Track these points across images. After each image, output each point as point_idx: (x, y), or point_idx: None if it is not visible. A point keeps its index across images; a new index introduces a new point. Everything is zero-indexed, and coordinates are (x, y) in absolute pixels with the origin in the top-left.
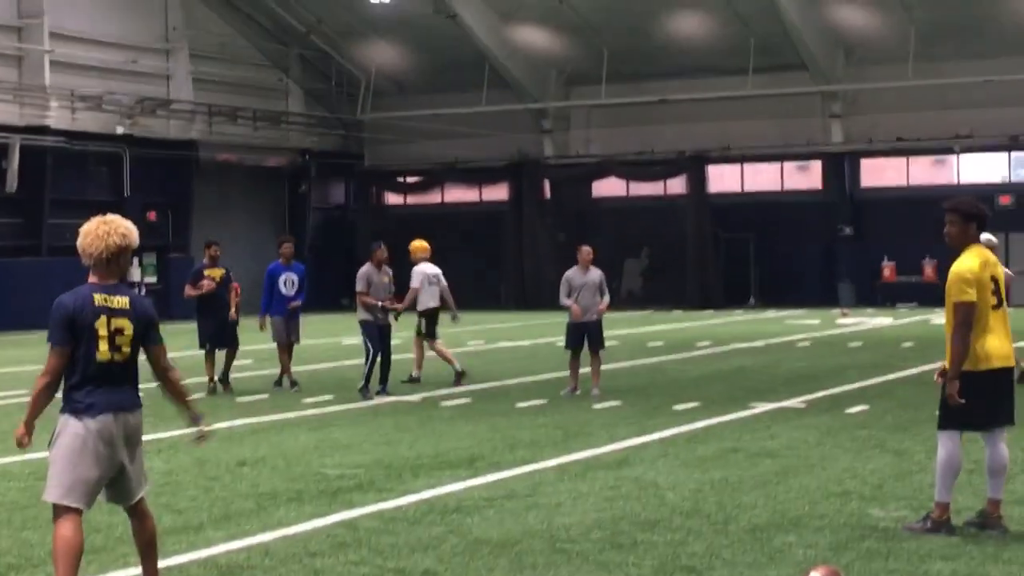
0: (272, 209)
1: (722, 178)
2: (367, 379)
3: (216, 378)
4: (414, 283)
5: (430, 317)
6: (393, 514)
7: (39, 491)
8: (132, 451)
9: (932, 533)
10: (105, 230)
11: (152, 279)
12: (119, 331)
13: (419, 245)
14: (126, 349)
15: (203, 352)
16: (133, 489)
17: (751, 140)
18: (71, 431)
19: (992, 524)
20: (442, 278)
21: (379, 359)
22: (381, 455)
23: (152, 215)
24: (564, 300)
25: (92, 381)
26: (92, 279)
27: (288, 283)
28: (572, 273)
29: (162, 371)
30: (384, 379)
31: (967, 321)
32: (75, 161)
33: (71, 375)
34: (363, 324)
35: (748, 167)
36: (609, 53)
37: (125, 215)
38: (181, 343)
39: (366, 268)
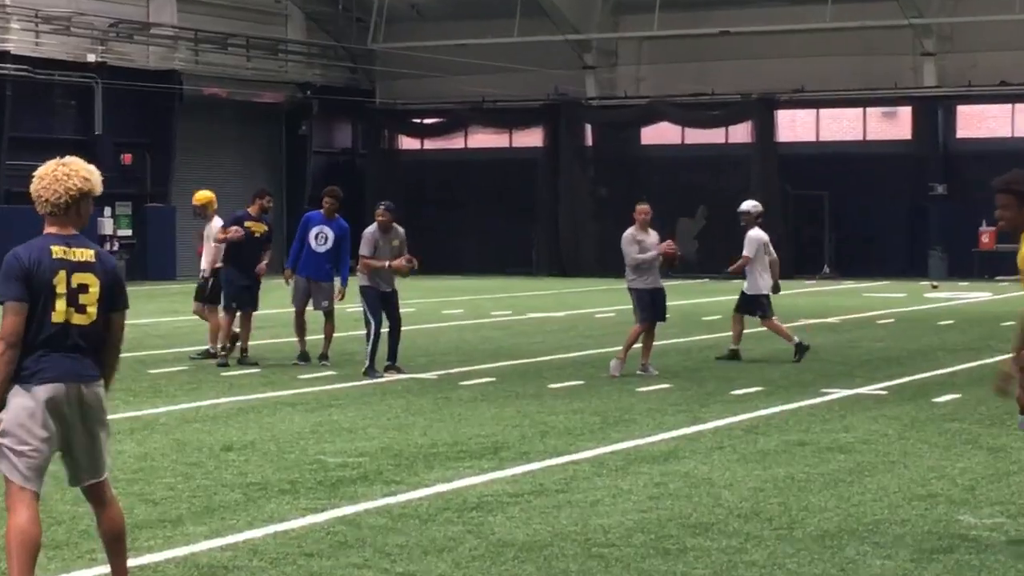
0: (267, 152)
1: (793, 125)
2: (372, 356)
3: (232, 346)
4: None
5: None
6: (402, 510)
7: None
8: (90, 429)
9: None
10: (64, 172)
11: (127, 232)
12: (82, 288)
13: (204, 196)
14: (91, 310)
15: (221, 312)
16: (86, 468)
17: (828, 81)
18: (18, 401)
19: None
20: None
21: (386, 331)
22: (389, 441)
23: (127, 158)
24: (639, 256)
25: (45, 345)
26: (49, 229)
27: (320, 237)
28: (634, 232)
29: (115, 342)
30: (393, 353)
31: None
32: (39, 93)
33: (24, 338)
34: (364, 291)
35: (824, 113)
36: None
37: (96, 157)
38: (163, 306)
39: (371, 229)
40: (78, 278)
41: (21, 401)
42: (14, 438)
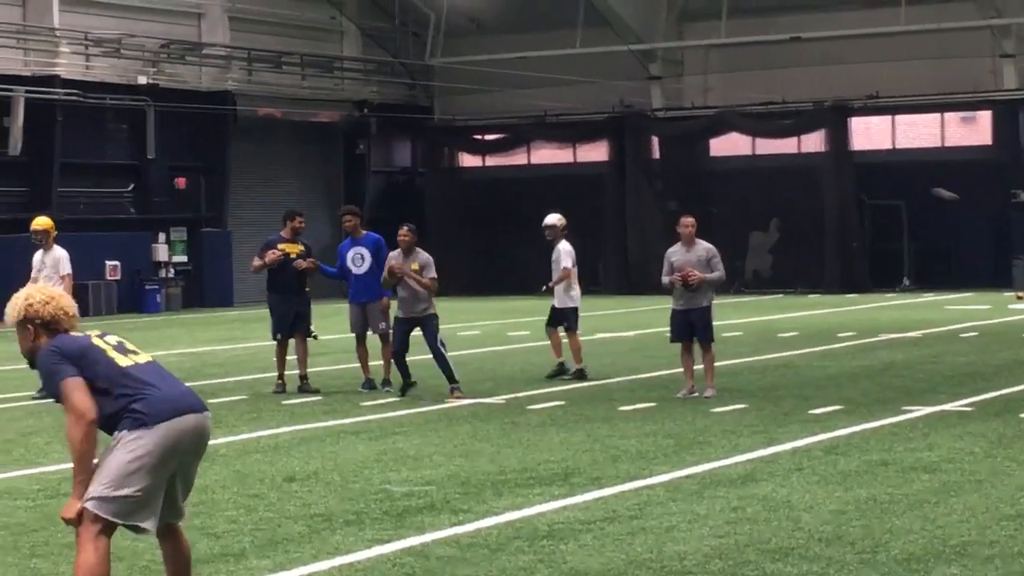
0: (324, 173)
1: (868, 133)
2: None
3: (299, 374)
4: None
5: None
6: (471, 540)
7: (50, 511)
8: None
9: None
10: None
11: (182, 258)
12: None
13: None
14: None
15: (274, 342)
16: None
17: (903, 86)
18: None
19: None
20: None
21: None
22: (456, 469)
23: (181, 182)
24: (664, 279)
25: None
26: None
27: (357, 259)
28: (673, 250)
29: None
30: (451, 375)
31: None
32: (89, 117)
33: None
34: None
35: (900, 119)
36: None
37: (149, 180)
38: (220, 334)
39: (395, 252)
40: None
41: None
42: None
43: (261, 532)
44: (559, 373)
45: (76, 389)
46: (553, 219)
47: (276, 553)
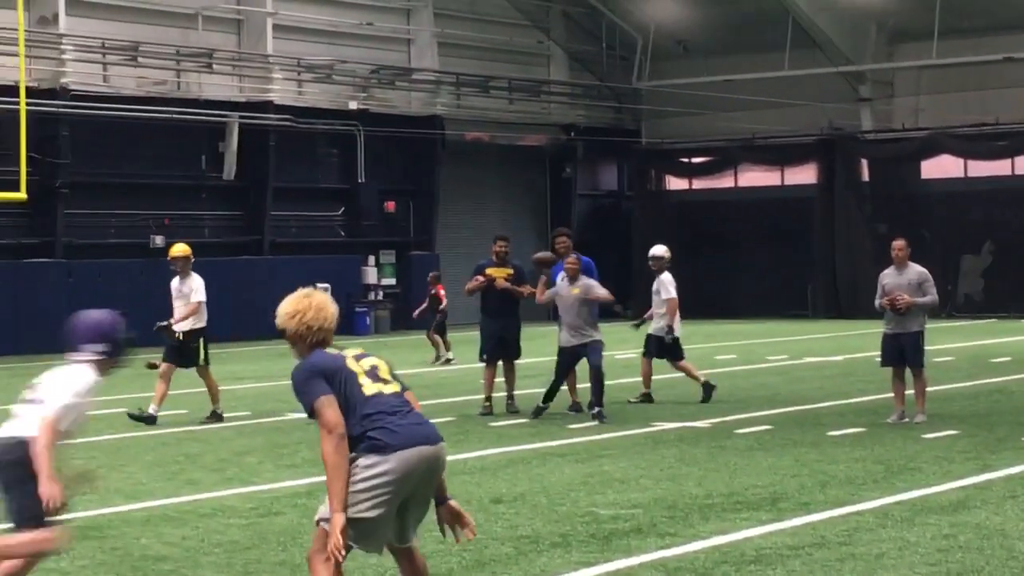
0: (531, 196)
1: None
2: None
3: (506, 395)
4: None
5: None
6: (679, 563)
7: (262, 529)
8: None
9: None
10: (319, 301)
11: (391, 280)
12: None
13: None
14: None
15: (482, 364)
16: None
17: None
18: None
19: None
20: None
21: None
22: (663, 493)
23: (390, 205)
24: (876, 302)
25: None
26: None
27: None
28: (886, 272)
29: None
30: (599, 397)
31: None
32: (301, 142)
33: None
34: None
35: None
36: (942, 2)
37: (358, 204)
38: (426, 355)
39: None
40: (365, 363)
41: (371, 469)
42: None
43: (468, 553)
44: (646, 401)
45: (328, 406)
46: (660, 251)
47: (483, 574)
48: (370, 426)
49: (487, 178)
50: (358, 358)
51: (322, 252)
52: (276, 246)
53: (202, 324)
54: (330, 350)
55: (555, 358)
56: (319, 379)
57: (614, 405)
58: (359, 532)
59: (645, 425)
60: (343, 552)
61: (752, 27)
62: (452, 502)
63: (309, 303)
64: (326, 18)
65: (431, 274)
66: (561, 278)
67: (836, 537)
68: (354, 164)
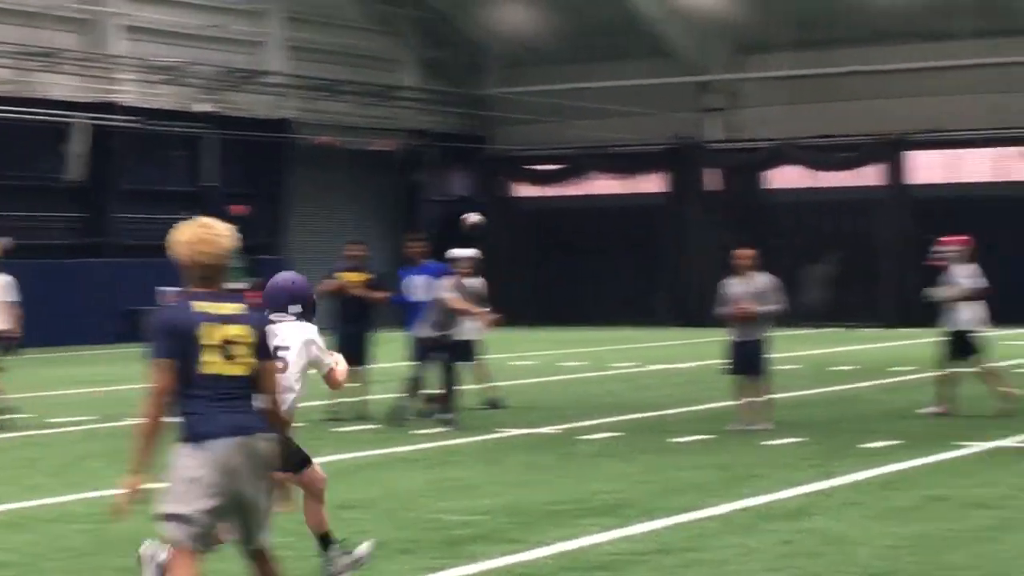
0: (381, 201)
1: (927, 166)
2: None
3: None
4: None
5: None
6: (525, 570)
7: (105, 536)
8: (260, 486)
9: None
10: (211, 234)
11: (240, 285)
12: (232, 340)
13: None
14: (245, 360)
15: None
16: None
17: (963, 120)
18: (183, 462)
19: None
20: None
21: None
22: (511, 499)
23: (240, 208)
24: (720, 311)
25: (202, 398)
26: (194, 291)
27: (418, 287)
28: (731, 281)
29: (271, 392)
30: (449, 405)
31: None
32: (148, 144)
33: (178, 393)
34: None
35: (960, 153)
36: (790, 14)
37: (207, 208)
38: None
39: (451, 281)
40: (228, 330)
41: (188, 460)
42: (180, 499)
43: (316, 558)
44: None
45: (159, 370)
46: (471, 253)
47: None
48: (192, 409)
49: (338, 182)
50: (227, 320)
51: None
52: (124, 248)
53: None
54: (212, 306)
55: (406, 363)
56: (166, 337)
57: (463, 411)
58: (180, 526)
59: (493, 431)
60: (125, 511)
61: (602, 35)
62: (284, 476)
63: (202, 233)
64: (175, 19)
65: (254, 281)
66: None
67: (681, 543)
68: (202, 167)
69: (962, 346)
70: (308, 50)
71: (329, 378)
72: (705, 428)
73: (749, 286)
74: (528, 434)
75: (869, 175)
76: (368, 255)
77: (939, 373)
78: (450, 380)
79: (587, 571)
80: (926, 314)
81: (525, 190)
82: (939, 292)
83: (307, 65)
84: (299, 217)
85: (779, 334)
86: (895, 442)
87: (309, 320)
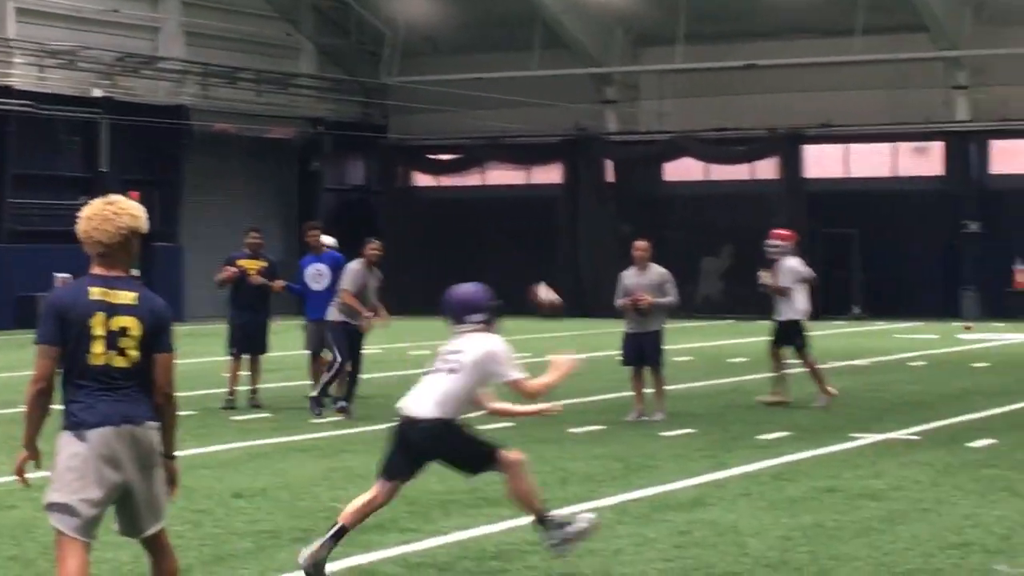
0: (278, 190)
1: (821, 161)
2: (324, 388)
3: (250, 389)
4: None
5: None
6: (420, 559)
7: None
8: (147, 474)
9: None
10: (113, 210)
11: (134, 272)
12: (122, 331)
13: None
14: (132, 353)
15: (229, 357)
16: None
17: (857, 116)
18: (68, 449)
19: None
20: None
21: (347, 369)
22: (406, 489)
23: (134, 195)
24: (616, 302)
25: (87, 388)
26: (94, 271)
27: (316, 276)
28: (627, 273)
29: (161, 385)
30: (350, 394)
31: None
32: (42, 129)
33: (64, 382)
34: (332, 326)
35: (853, 148)
36: (687, 8)
37: (101, 193)
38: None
39: (359, 265)
40: (117, 321)
41: (70, 448)
42: (64, 489)
43: (207, 548)
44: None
45: (42, 356)
46: (330, 241)
47: (222, 569)
48: (75, 398)
49: (234, 170)
50: (118, 310)
51: (64, 241)
52: (16, 234)
53: None
54: (105, 293)
55: (302, 352)
56: (53, 320)
57: (359, 400)
58: (64, 516)
59: (388, 421)
60: (21, 479)
61: (502, 26)
62: (173, 463)
63: (103, 210)
64: (70, 3)
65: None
66: (361, 269)
67: None
68: (97, 153)
69: (788, 336)
70: (205, 36)
71: (519, 389)
72: (600, 419)
73: (645, 278)
74: None
75: (764, 168)
76: (264, 243)
77: (774, 363)
78: (355, 369)
79: (482, 560)
80: (822, 306)
81: (423, 180)
82: (770, 281)
83: (204, 51)
84: (195, 204)
85: (674, 326)
86: (787, 434)
87: (491, 328)
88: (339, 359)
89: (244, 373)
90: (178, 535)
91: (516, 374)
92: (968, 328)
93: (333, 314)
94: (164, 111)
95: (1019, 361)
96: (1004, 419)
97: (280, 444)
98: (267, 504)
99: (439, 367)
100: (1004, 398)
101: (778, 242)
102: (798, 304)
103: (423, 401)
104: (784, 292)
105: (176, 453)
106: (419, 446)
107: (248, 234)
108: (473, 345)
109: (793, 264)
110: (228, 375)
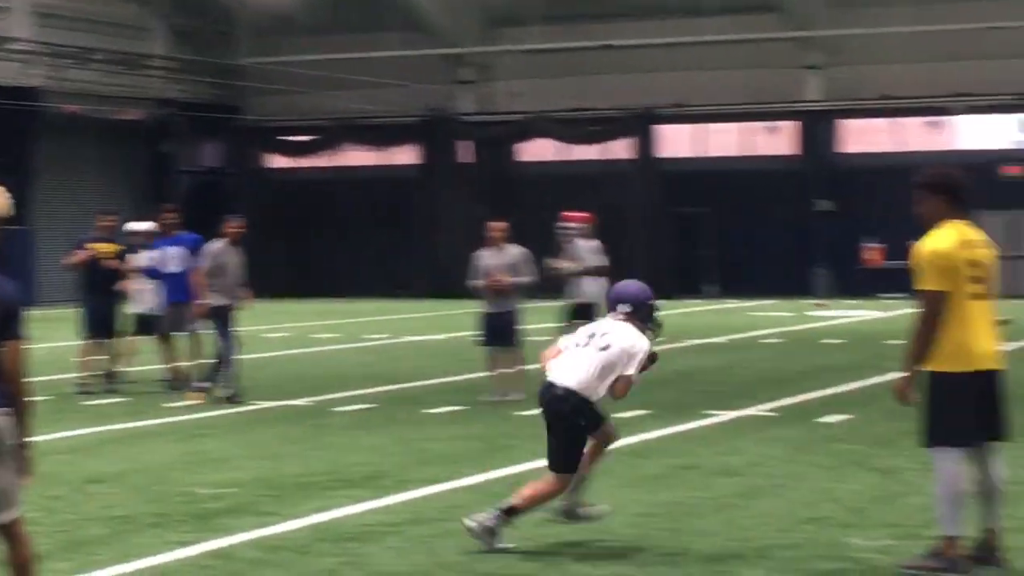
0: (130, 172)
1: (675, 140)
2: (214, 375)
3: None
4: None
5: None
6: (277, 542)
7: None
8: None
9: (938, 573)
10: None
11: None
12: None
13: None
14: None
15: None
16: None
17: (712, 96)
18: None
19: (989, 558)
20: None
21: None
22: (262, 471)
23: None
24: (472, 282)
25: None
26: None
27: (172, 258)
28: (484, 253)
29: (11, 373)
30: (215, 375)
31: (932, 314)
32: None
33: None
34: (216, 311)
35: (706, 128)
36: None
37: None
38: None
39: (218, 244)
40: None
41: None
42: None
43: (62, 534)
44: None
45: None
46: (146, 226)
47: (77, 555)
48: None
49: (86, 152)
50: None
51: None
52: None
53: None
54: None
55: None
56: None
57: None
58: None
59: (245, 404)
60: None
61: (356, 7)
62: (27, 450)
63: None
64: None
65: None
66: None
67: (435, 514)
68: None
69: (583, 315)
70: (55, 16)
71: (621, 386)
72: (458, 399)
73: (501, 258)
74: (281, 406)
75: (619, 148)
76: (119, 226)
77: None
78: (224, 350)
79: (340, 542)
80: (677, 284)
81: (278, 161)
82: (562, 265)
83: (54, 32)
84: (46, 188)
85: (531, 305)
86: (644, 412)
87: (637, 324)
88: (227, 346)
89: (98, 358)
90: (33, 522)
91: (633, 372)
92: (820, 305)
93: (216, 298)
94: (13, 92)
95: (870, 337)
96: (856, 395)
97: (135, 429)
98: (122, 489)
99: (586, 342)
100: (857, 373)
101: (573, 224)
102: (595, 287)
103: (570, 373)
104: (578, 273)
105: (30, 439)
106: (558, 412)
107: (103, 218)
108: (619, 332)
109: (588, 246)
110: (81, 360)
